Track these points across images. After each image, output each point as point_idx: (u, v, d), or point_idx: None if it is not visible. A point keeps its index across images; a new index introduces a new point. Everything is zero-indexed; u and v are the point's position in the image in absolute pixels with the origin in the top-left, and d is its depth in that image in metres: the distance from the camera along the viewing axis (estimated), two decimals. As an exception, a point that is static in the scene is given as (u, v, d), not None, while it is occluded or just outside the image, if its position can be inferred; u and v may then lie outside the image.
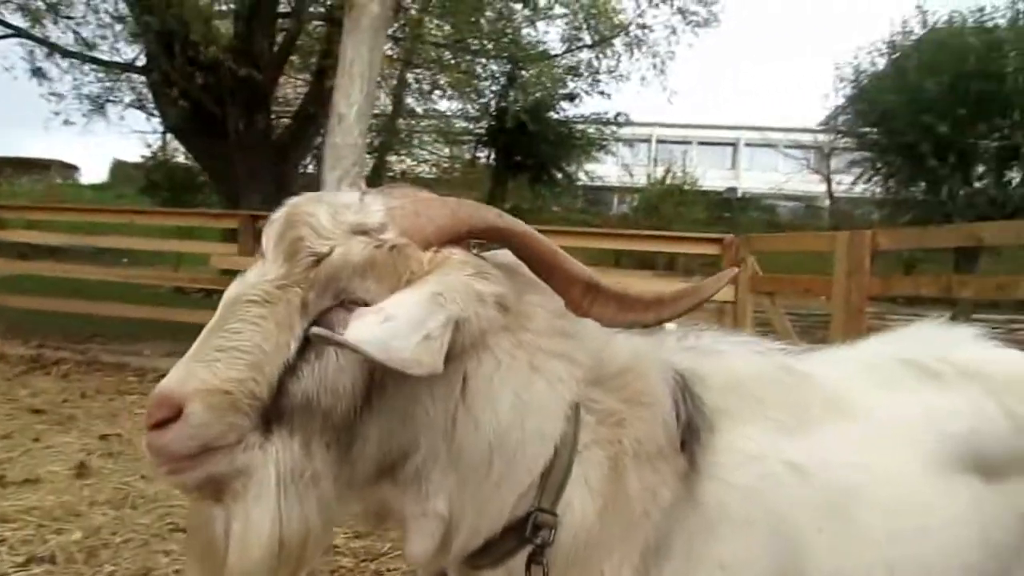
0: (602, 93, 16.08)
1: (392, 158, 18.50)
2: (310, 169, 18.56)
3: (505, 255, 1.10)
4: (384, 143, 16.85)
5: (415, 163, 21.09)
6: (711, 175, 29.58)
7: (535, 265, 1.08)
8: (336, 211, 0.98)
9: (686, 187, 25.10)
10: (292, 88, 16.43)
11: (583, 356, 1.15)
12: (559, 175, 21.85)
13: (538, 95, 17.28)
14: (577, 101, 17.44)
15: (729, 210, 27.94)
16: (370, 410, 0.96)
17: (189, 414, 0.87)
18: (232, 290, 0.96)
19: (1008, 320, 12.34)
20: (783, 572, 1.21)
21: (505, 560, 1.06)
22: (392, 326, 0.87)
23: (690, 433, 1.19)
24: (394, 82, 14.98)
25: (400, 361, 0.85)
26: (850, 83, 19.38)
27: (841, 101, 20.85)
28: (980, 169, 15.91)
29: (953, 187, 15.85)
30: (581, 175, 22.91)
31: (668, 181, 25.03)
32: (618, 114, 17.62)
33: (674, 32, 12.83)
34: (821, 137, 24.67)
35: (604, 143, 21.67)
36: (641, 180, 26.94)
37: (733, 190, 31.02)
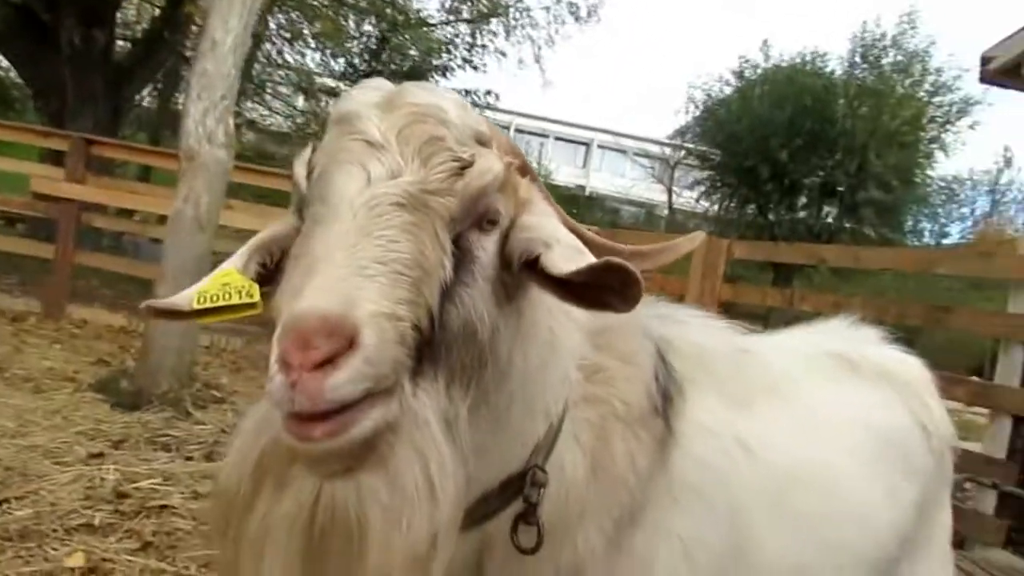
0: (476, 68, 15.99)
1: (246, 104, 17.30)
2: (146, 102, 17.02)
3: None
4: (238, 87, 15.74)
5: (268, 113, 19.92)
6: (563, 171, 30.48)
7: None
8: (458, 108, 0.84)
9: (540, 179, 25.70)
10: (135, 10, 14.91)
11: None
12: (418, 149, 21.47)
13: (411, 63, 16.86)
14: (449, 74, 17.18)
15: (577, 207, 28.91)
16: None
17: (365, 346, 0.65)
18: (362, 191, 0.75)
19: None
20: (732, 550, 1.21)
21: (486, 520, 0.96)
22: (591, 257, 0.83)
23: (665, 400, 1.16)
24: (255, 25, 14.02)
25: None
26: (700, 104, 20.64)
27: (690, 119, 22.18)
28: (803, 200, 17.61)
29: (780, 213, 17.44)
30: (441, 152, 22.71)
31: (523, 171, 25.49)
32: (488, 92, 17.50)
33: (561, 22, 13.01)
34: (668, 150, 26.10)
35: (469, 123, 21.56)
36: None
37: (582, 188, 32.10)
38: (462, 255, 0.80)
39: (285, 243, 0.91)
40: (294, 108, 18.69)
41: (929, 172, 18.60)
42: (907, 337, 1.93)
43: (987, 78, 5.23)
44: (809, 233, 16.81)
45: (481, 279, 0.81)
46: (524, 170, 0.95)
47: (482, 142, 0.85)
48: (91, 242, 8.42)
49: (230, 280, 0.90)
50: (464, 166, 0.80)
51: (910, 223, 20.02)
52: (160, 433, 3.81)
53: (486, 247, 0.83)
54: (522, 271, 0.85)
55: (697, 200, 21.09)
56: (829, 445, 1.44)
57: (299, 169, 0.86)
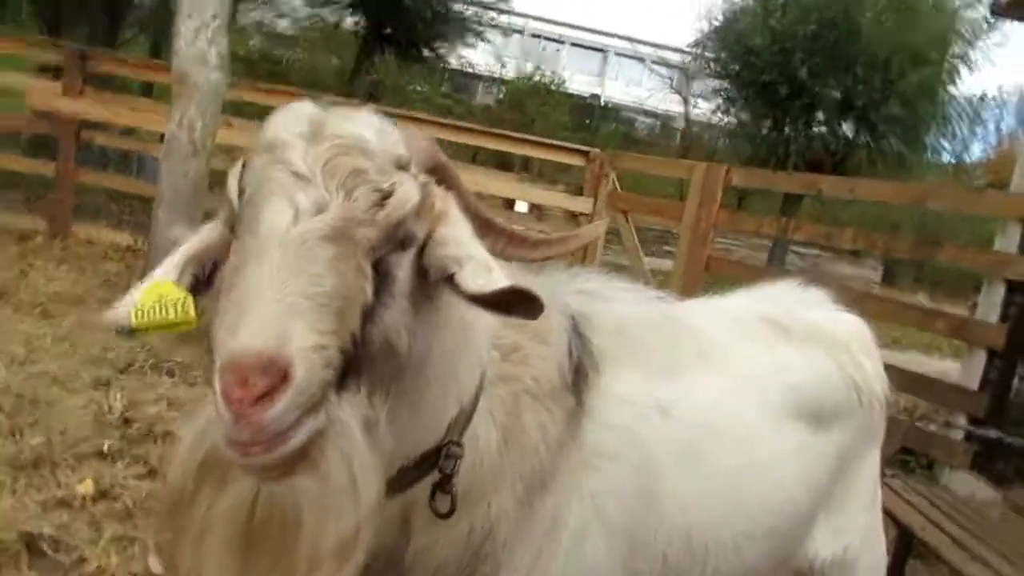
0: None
1: (248, 4, 16.89)
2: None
3: None
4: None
5: (274, 15, 19.50)
6: (578, 79, 29.69)
7: None
8: (379, 136, 0.92)
9: (553, 87, 25.05)
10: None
11: None
12: (429, 54, 20.99)
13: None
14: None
15: (591, 117, 28.33)
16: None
17: (297, 379, 0.75)
18: (289, 227, 0.82)
19: (816, 255, 18.26)
20: (643, 498, 1.33)
21: (407, 488, 1.08)
22: (499, 275, 0.91)
23: (578, 374, 1.26)
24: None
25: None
26: (721, 13, 19.79)
27: (710, 29, 21.31)
28: (820, 116, 17.08)
29: (797, 129, 17.00)
30: (451, 59, 22.21)
31: (536, 78, 24.84)
32: (499, -3, 16.91)
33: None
34: (687, 59, 25.24)
35: (481, 30, 20.97)
36: (510, 72, 26.56)
37: (597, 97, 31.35)
38: (381, 278, 0.88)
39: (217, 254, 0.99)
40: (296, 14, 18.28)
41: (952, 89, 17.90)
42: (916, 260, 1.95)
43: (999, 11, 4.98)
44: (826, 150, 16.42)
45: (399, 297, 0.90)
46: (442, 176, 1.02)
47: (401, 166, 0.92)
48: (95, 159, 8.39)
49: (165, 292, 0.96)
50: (385, 196, 0.88)
51: (930, 141, 19.37)
52: (164, 359, 3.97)
53: (403, 265, 0.91)
54: (438, 283, 0.95)
55: (713, 112, 20.51)
56: (746, 403, 1.54)
57: (232, 184, 0.93)
